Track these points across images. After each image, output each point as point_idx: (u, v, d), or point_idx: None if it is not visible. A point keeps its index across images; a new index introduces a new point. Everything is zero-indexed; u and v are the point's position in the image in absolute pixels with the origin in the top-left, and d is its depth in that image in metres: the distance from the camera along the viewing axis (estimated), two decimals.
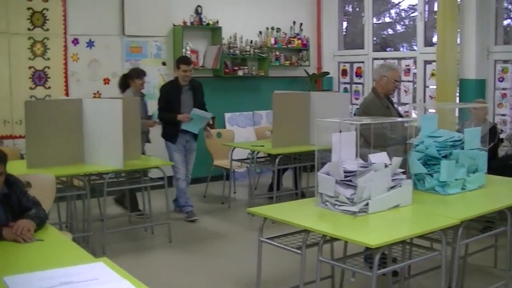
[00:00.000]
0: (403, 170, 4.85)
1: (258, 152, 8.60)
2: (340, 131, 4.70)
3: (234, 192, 9.58)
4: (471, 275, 5.71)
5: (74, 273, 3.15)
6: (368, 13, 11.25)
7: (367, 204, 4.48)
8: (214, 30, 10.46)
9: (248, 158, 8.74)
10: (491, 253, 6.28)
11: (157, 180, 7.41)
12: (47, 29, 8.95)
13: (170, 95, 8.10)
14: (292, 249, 4.46)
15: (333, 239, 4.47)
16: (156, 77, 9.93)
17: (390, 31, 12.65)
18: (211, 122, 8.14)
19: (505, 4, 9.84)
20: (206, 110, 8.23)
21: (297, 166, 9.08)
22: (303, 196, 8.99)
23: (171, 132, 8.19)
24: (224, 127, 10.57)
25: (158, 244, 7.22)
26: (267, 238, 4.67)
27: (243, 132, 10.51)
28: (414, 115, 7.62)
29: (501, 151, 7.87)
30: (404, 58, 10.69)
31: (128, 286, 2.96)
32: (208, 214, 8.48)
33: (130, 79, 8.07)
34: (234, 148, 8.75)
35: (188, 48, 10.05)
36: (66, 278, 3.05)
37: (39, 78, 8.96)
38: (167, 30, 10.01)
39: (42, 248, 3.79)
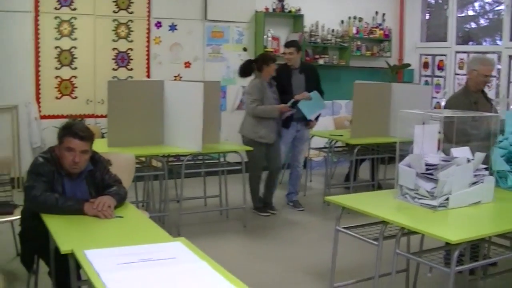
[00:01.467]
0: (485, 166, 4.74)
1: (336, 142, 8.54)
2: (423, 124, 4.61)
3: (310, 181, 9.55)
4: None
5: (152, 250, 3.19)
6: (452, 5, 11.01)
7: (447, 199, 4.38)
8: (296, 18, 10.43)
9: (326, 147, 8.69)
10: None
11: (234, 165, 7.44)
12: (132, 12, 9.10)
13: (280, 78, 7.75)
14: (369, 240, 4.41)
15: (410, 233, 4.40)
16: (237, 62, 9.91)
17: (473, 25, 12.36)
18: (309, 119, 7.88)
19: None
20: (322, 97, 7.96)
21: (375, 158, 8.99)
22: (379, 188, 8.91)
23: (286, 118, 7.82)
24: None
25: (233, 228, 7.25)
26: (344, 228, 4.63)
27: (321, 121, 10.42)
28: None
29: None
30: (488, 53, 10.43)
31: (206, 267, 2.97)
32: (283, 200, 8.45)
33: (263, 64, 7.46)
34: (312, 136, 8.69)
35: (269, 34, 10.05)
36: (145, 255, 3.09)
37: (122, 59, 9.11)
38: (249, 16, 10.06)
39: (121, 225, 3.86)
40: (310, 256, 6.28)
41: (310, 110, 7.75)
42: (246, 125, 7.54)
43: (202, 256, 3.14)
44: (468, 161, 4.54)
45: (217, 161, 7.84)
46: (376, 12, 11.40)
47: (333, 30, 10.81)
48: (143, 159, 7.02)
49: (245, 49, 10.03)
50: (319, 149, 8.87)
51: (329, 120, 10.59)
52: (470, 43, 11.57)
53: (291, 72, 7.80)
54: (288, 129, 7.85)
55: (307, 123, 8.00)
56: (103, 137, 7.94)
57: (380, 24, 11.43)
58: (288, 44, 8.06)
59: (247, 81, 9.91)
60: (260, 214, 7.63)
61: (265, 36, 9.99)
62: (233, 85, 9.97)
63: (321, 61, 10.63)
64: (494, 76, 9.97)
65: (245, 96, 7.29)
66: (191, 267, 2.99)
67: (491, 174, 4.79)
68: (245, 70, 7.62)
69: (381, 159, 9.14)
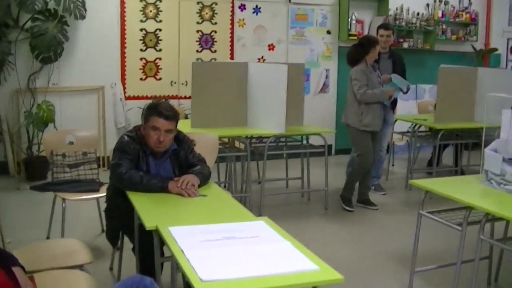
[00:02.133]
0: None
1: (420, 126, 8.43)
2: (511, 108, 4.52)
3: (393, 165, 9.46)
4: None
5: (236, 229, 3.23)
6: None
7: None
8: (380, 1, 10.31)
9: (409, 132, 8.59)
10: None
11: (317, 147, 7.44)
12: None
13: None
14: (452, 225, 4.35)
15: (495, 219, 4.32)
16: (321, 45, 9.94)
17: None
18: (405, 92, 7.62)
19: None
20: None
21: (459, 143, 8.84)
22: (462, 173, 8.76)
23: None
24: None
25: (314, 211, 7.26)
26: (427, 212, 4.58)
27: (404, 105, 10.32)
28: None
29: None
30: None
31: (289, 246, 3.00)
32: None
33: (370, 47, 7.04)
34: (396, 120, 8.60)
35: (353, 17, 9.98)
36: (228, 233, 3.13)
37: (206, 41, 9.20)
38: None
39: (205, 203, 3.92)
40: (391, 241, 6.24)
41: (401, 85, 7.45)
42: (351, 114, 7.13)
43: (285, 236, 3.16)
44: None
45: (299, 143, 7.85)
46: None
47: (418, 14, 10.64)
48: (226, 140, 7.09)
49: (329, 32, 9.98)
50: (402, 133, 8.78)
51: (413, 104, 10.46)
52: None
53: (379, 56, 7.51)
54: None
55: (392, 105, 7.89)
56: (186, 118, 8.05)
57: (466, 8, 11.18)
58: (387, 26, 8.00)
59: (330, 64, 9.96)
60: (345, 206, 7.22)
61: (349, 19, 9.91)
62: (316, 68, 9.95)
63: (405, 45, 10.49)
64: None
65: (352, 83, 6.95)
66: (275, 246, 3.02)
67: None
68: (357, 57, 7.08)
69: (465, 145, 8.98)
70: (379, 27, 8.02)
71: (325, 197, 7.28)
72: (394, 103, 7.88)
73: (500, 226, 4.87)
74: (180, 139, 4.39)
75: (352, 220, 6.87)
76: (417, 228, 4.72)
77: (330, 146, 8.79)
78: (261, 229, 3.27)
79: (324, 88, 10.08)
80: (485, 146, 4.60)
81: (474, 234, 4.19)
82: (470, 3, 11.23)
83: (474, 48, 11.02)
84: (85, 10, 8.17)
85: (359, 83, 6.93)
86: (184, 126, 6.25)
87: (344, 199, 7.27)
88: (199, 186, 4.12)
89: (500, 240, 4.59)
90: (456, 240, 4.38)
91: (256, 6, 9.45)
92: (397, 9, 10.43)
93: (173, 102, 8.74)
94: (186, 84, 8.83)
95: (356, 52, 7.09)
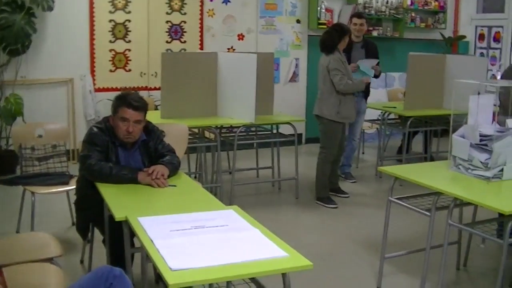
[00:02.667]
0: None
1: (389, 114, 8.47)
2: (479, 94, 4.56)
3: (363, 153, 9.51)
4: None
5: (205, 218, 3.25)
6: None
7: (501, 170, 4.34)
8: None
9: (379, 120, 8.63)
10: None
11: (288, 136, 7.46)
12: None
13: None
14: (421, 211, 4.40)
15: (463, 204, 4.37)
16: (290, 34, 9.94)
17: None
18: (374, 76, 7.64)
19: None
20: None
21: (428, 130, 8.91)
22: (432, 160, 8.83)
23: None
24: None
25: (285, 200, 7.30)
26: (396, 198, 4.62)
27: (374, 94, 10.34)
28: None
29: None
30: None
31: (258, 234, 3.01)
32: None
33: (343, 35, 6.86)
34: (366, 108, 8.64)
35: (323, 6, 9.99)
36: (198, 223, 3.15)
37: (176, 32, 9.16)
38: None
39: (175, 194, 3.93)
40: (361, 228, 6.30)
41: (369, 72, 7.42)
42: (327, 105, 6.86)
43: (255, 224, 3.18)
44: None
45: (269, 132, 7.86)
46: None
47: (387, 2, 10.68)
48: (196, 130, 7.08)
49: (298, 21, 9.99)
50: (372, 121, 8.82)
51: (383, 92, 10.52)
52: None
53: (351, 45, 7.46)
54: None
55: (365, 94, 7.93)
56: (156, 109, 8.02)
57: None
58: (360, 15, 7.96)
59: (300, 53, 9.96)
60: (327, 206, 6.95)
61: (318, 8, 9.93)
62: (286, 57, 9.96)
63: (375, 33, 10.53)
64: None
65: (332, 73, 6.70)
66: (244, 234, 3.03)
67: None
68: (332, 43, 6.82)
69: (434, 131, 9.05)
70: (353, 16, 8.02)
71: (296, 186, 7.30)
72: (367, 92, 7.90)
73: (469, 211, 4.92)
74: (150, 129, 4.38)
75: (323, 209, 6.89)
76: (387, 214, 4.75)
77: (300, 135, 8.82)
78: (231, 217, 3.28)
79: (294, 77, 10.10)
80: (453, 132, 4.65)
81: (443, 219, 4.23)
82: None
83: (443, 36, 11.09)
84: (53, 2, 8.07)
85: (340, 73, 6.73)
86: (154, 117, 6.23)
87: (322, 199, 7.05)
88: (169, 176, 4.12)
89: (469, 224, 4.63)
90: (426, 226, 4.42)
91: None
92: None
93: (143, 93, 8.70)
94: (156, 75, 8.79)
95: (330, 38, 6.84)
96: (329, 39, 6.85)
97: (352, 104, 6.94)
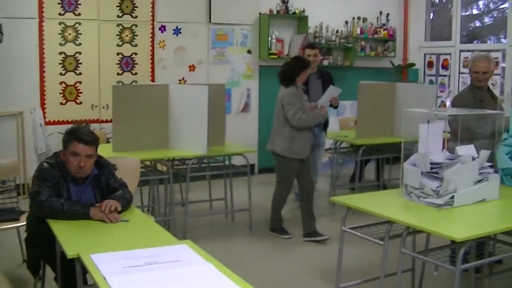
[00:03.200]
0: (490, 164, 4.74)
1: (342, 143, 8.53)
2: (428, 122, 4.62)
3: (316, 182, 9.52)
4: None
5: (158, 253, 3.21)
6: (457, 4, 11.02)
7: (452, 197, 4.39)
8: (300, 19, 10.43)
9: (331, 148, 8.68)
10: None
11: (240, 168, 7.45)
12: (136, 16, 9.11)
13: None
14: (374, 240, 4.42)
15: (416, 232, 4.41)
16: (242, 65, 9.97)
17: (478, 23, 12.36)
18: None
19: None
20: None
21: (380, 158, 8.99)
22: (385, 188, 8.92)
23: None
24: None
25: (239, 231, 7.26)
26: (350, 228, 4.63)
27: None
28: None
29: None
30: (492, 51, 10.39)
31: (212, 269, 2.99)
32: (289, 202, 8.42)
33: (303, 68, 6.69)
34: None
35: (274, 36, 10.06)
36: (151, 259, 3.11)
37: (127, 64, 9.13)
38: (254, 18, 10.05)
39: (128, 229, 3.88)
40: (316, 257, 6.30)
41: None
42: (279, 141, 6.70)
43: (208, 258, 3.15)
44: (473, 159, 4.55)
45: (222, 163, 7.84)
46: (380, 12, 11.41)
47: (337, 31, 10.81)
48: (148, 163, 7.03)
49: (249, 52, 10.03)
50: (325, 150, 8.85)
51: (334, 121, 10.55)
52: (475, 41, 11.57)
53: (308, 77, 7.19)
54: None
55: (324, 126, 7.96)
56: (108, 142, 7.96)
57: (384, 24, 11.43)
58: (313, 45, 7.93)
59: (252, 84, 9.99)
60: (281, 236, 6.89)
61: (269, 38, 10.00)
62: (237, 87, 9.98)
63: (325, 62, 10.61)
64: (498, 74, 9.97)
65: (285, 108, 6.54)
66: (197, 269, 3.00)
67: (496, 172, 4.79)
68: (292, 75, 6.67)
69: (386, 159, 9.14)
70: (305, 47, 7.95)
71: (249, 217, 7.28)
72: (326, 124, 7.91)
73: (422, 238, 4.96)
74: (101, 164, 4.34)
75: (277, 239, 6.88)
76: (341, 244, 4.77)
77: (252, 166, 8.83)
78: (184, 252, 3.25)
79: (245, 108, 10.12)
80: (405, 160, 4.69)
81: (397, 247, 4.25)
82: (388, 20, 11.49)
83: (393, 64, 11.25)
84: (2, 34, 7.99)
85: (294, 107, 6.53)
86: (105, 150, 6.17)
87: (275, 231, 6.97)
88: (121, 211, 4.07)
89: (422, 252, 4.67)
90: (380, 254, 4.44)
91: (177, 27, 9.42)
92: (316, 27, 10.57)
93: (95, 126, 8.63)
94: (107, 107, 8.73)
95: (290, 70, 6.66)
96: (289, 71, 6.69)
97: (306, 140, 6.72)
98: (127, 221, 3.97)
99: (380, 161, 9.14)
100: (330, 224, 7.40)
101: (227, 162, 7.82)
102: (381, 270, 4.43)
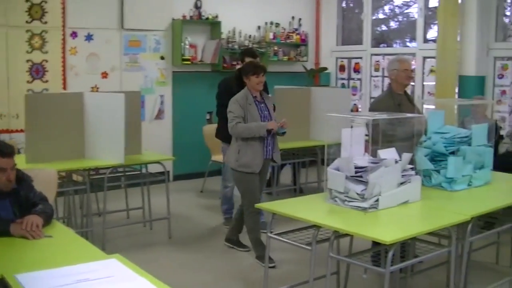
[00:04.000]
0: (412, 166, 4.82)
1: None
2: (352, 127, 4.65)
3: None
4: (473, 272, 5.63)
5: (88, 270, 3.08)
6: (367, 8, 11.21)
7: (377, 200, 4.44)
8: (213, 25, 10.37)
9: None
10: (492, 249, 6.30)
11: (157, 175, 7.33)
12: (46, 22, 8.82)
13: (233, 89, 6.54)
14: (302, 246, 4.41)
15: (341, 236, 4.42)
16: (155, 71, 9.83)
17: (384, 27, 12.62)
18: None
19: (508, 1, 9.78)
20: None
21: (296, 162, 9.03)
22: (301, 192, 8.99)
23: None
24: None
25: (158, 240, 7.11)
26: (276, 234, 4.61)
27: None
28: None
29: (502, 148, 7.84)
30: (403, 54, 10.59)
31: (146, 284, 2.89)
32: (207, 209, 8.41)
33: (244, 76, 6.21)
34: None
35: (187, 42, 9.96)
36: (81, 276, 2.98)
37: (37, 71, 8.84)
38: (166, 24, 9.91)
39: (52, 245, 3.72)
40: (242, 264, 6.26)
41: None
42: (229, 152, 6.35)
43: (140, 272, 3.05)
44: (396, 162, 4.60)
45: (138, 172, 7.70)
46: (293, 17, 11.48)
47: (250, 36, 10.81)
48: (63, 174, 6.82)
49: (162, 58, 9.89)
50: None
51: None
52: (382, 45, 11.79)
53: (244, 86, 6.51)
54: None
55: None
56: (19, 153, 7.68)
57: (296, 29, 11.52)
58: (253, 53, 7.24)
59: (165, 90, 9.88)
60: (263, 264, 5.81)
61: (182, 44, 9.89)
62: (151, 94, 9.82)
63: (238, 67, 10.57)
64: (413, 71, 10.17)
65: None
66: (131, 285, 2.90)
67: (417, 173, 4.87)
68: (239, 83, 6.28)
69: (302, 163, 9.19)
70: (246, 55, 7.19)
71: (168, 225, 7.16)
72: None
73: (345, 242, 4.99)
74: (20, 177, 4.14)
75: (198, 247, 6.81)
76: (267, 250, 4.74)
77: (168, 173, 8.65)
78: (115, 267, 3.14)
79: (159, 115, 9.99)
80: (328, 164, 4.71)
81: (322, 251, 4.26)
82: (300, 25, 11.57)
83: (305, 68, 11.33)
84: None
85: (232, 115, 6.11)
86: (18, 161, 5.93)
87: (260, 258, 6.18)
88: (43, 226, 3.90)
89: (349, 255, 4.71)
90: (307, 259, 4.43)
91: (88, 33, 9.19)
92: (229, 32, 10.53)
93: (4, 137, 8.32)
94: (17, 117, 8.43)
95: (238, 77, 6.33)
96: (238, 77, 6.32)
97: (255, 152, 6.12)
98: (51, 236, 3.81)
99: (297, 165, 9.18)
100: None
101: (144, 170, 7.68)
102: (309, 274, 4.43)
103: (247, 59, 6.95)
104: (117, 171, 7.52)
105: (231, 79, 6.81)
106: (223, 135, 6.89)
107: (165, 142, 9.99)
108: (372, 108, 5.91)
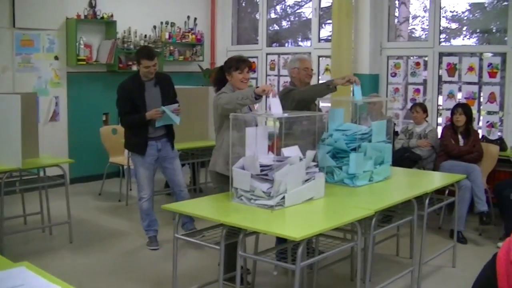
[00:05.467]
0: (315, 163, 4.89)
1: None
2: (256, 125, 4.68)
3: (130, 189, 9.33)
4: (376, 264, 5.77)
5: None
6: (263, 8, 11.30)
7: (283, 198, 4.48)
8: (108, 24, 10.21)
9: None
10: (392, 242, 6.50)
11: (56, 179, 7.14)
12: None
13: (131, 94, 6.57)
14: (210, 245, 4.42)
15: (248, 234, 4.44)
16: (49, 72, 9.57)
17: (276, 27, 12.78)
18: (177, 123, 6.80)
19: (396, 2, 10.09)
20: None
21: (195, 162, 9.01)
22: (201, 191, 8.99)
23: (138, 140, 6.68)
24: (118, 123, 10.30)
25: (59, 245, 6.92)
26: (183, 235, 4.59)
27: None
28: None
29: (397, 144, 8.06)
30: (299, 53, 10.72)
31: None
32: (106, 212, 8.28)
33: (226, 72, 5.69)
34: None
35: (82, 42, 9.74)
36: None
37: None
38: (60, 23, 9.67)
39: None
40: (148, 266, 6.20)
41: (171, 121, 6.67)
42: (217, 156, 5.43)
43: (52, 280, 2.96)
44: (300, 159, 4.66)
45: (36, 176, 7.48)
46: (188, 17, 11.46)
47: (145, 36, 10.71)
48: None
49: (56, 58, 9.64)
50: None
51: None
52: (274, 44, 11.92)
53: (143, 86, 6.63)
54: (145, 154, 6.65)
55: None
56: None
57: (192, 29, 11.50)
58: (151, 55, 6.61)
59: (60, 91, 9.65)
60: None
61: (77, 44, 9.67)
62: (45, 96, 9.55)
63: (134, 68, 10.43)
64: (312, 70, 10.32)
65: None
66: None
67: (320, 170, 4.95)
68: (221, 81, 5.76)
69: (201, 162, 9.18)
70: (142, 57, 6.61)
71: (69, 230, 6.98)
72: (172, 134, 6.94)
73: (249, 240, 5.02)
74: None
75: (102, 250, 6.69)
76: (175, 251, 4.70)
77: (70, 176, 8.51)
78: (24, 275, 3.03)
79: (54, 116, 9.74)
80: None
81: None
82: (195, 24, 11.56)
83: (201, 68, 11.32)
84: None
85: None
86: None
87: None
88: None
89: (259, 253, 4.75)
90: (215, 258, 4.44)
91: None
92: (125, 32, 10.39)
93: None
94: None
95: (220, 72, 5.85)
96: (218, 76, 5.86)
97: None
98: None
99: (196, 165, 9.17)
100: (164, 231, 7.05)
101: (41, 174, 7.47)
102: (218, 273, 4.43)
103: (143, 61, 6.54)
104: (12, 176, 7.27)
105: (128, 83, 6.73)
106: (131, 144, 6.81)
107: (60, 144, 9.74)
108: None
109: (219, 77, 5.77)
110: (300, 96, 5.83)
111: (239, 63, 5.57)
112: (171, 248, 4.76)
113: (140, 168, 6.74)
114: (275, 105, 4.81)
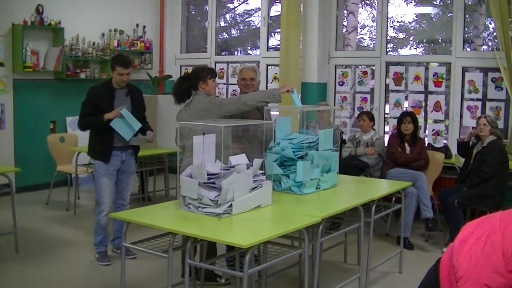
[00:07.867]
0: (262, 171, 4.92)
1: None
2: (204, 134, 4.69)
3: (78, 198, 9.24)
4: (324, 271, 5.83)
5: None
6: (212, 16, 11.34)
7: (231, 206, 4.51)
8: (56, 31, 10.10)
9: (92, 163, 8.48)
10: (340, 249, 6.58)
11: (1, 188, 7.04)
12: None
13: (100, 99, 6.43)
14: (158, 254, 4.41)
15: (196, 242, 4.45)
16: None
17: (226, 35, 12.83)
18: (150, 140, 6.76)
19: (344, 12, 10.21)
20: (146, 124, 6.74)
21: (143, 170, 8.99)
22: (149, 200, 8.98)
23: (103, 148, 6.51)
24: (66, 131, 10.23)
25: (4, 255, 6.76)
26: (131, 243, 4.57)
27: (86, 136, 10.20)
28: None
29: (345, 152, 8.15)
30: (247, 62, 10.81)
31: None
32: (54, 221, 8.18)
33: (200, 81, 5.62)
34: (79, 152, 8.49)
35: (28, 49, 9.61)
36: None
37: None
38: (6, 29, 9.54)
39: None
40: (97, 276, 6.13)
41: (125, 130, 6.41)
42: None
43: None
44: (248, 167, 4.69)
45: None
46: (137, 25, 11.45)
47: (94, 43, 10.63)
48: None
49: (2, 64, 9.49)
50: (86, 165, 8.60)
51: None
52: (223, 53, 11.97)
53: (114, 93, 6.51)
54: (109, 162, 6.48)
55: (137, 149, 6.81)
56: None
57: (141, 37, 11.48)
58: (127, 63, 6.47)
59: (6, 99, 9.51)
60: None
61: (23, 50, 9.53)
62: None
63: (82, 75, 10.40)
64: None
65: None
66: None
67: (267, 178, 4.98)
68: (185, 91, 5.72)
69: (149, 171, 9.16)
70: (117, 64, 6.45)
71: (15, 240, 6.85)
72: (137, 149, 6.84)
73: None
74: None
75: (49, 260, 6.58)
76: (122, 259, 4.69)
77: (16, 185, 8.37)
78: None
79: (0, 124, 9.59)
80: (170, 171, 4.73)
81: (178, 258, 4.28)
82: (144, 32, 11.54)
83: (150, 76, 11.26)
84: None
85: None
86: None
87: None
88: None
89: (206, 261, 4.77)
90: (165, 266, 4.43)
91: None
92: (72, 39, 10.29)
93: None
94: None
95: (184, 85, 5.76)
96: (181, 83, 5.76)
97: None
98: None
99: (144, 173, 9.14)
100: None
101: None
102: (167, 282, 4.42)
103: (118, 68, 6.39)
104: None
105: (99, 88, 6.61)
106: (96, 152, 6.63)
107: (6, 152, 9.57)
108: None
109: (182, 88, 5.70)
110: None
111: (213, 72, 5.75)
112: (119, 258, 4.73)
113: (103, 178, 6.50)
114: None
